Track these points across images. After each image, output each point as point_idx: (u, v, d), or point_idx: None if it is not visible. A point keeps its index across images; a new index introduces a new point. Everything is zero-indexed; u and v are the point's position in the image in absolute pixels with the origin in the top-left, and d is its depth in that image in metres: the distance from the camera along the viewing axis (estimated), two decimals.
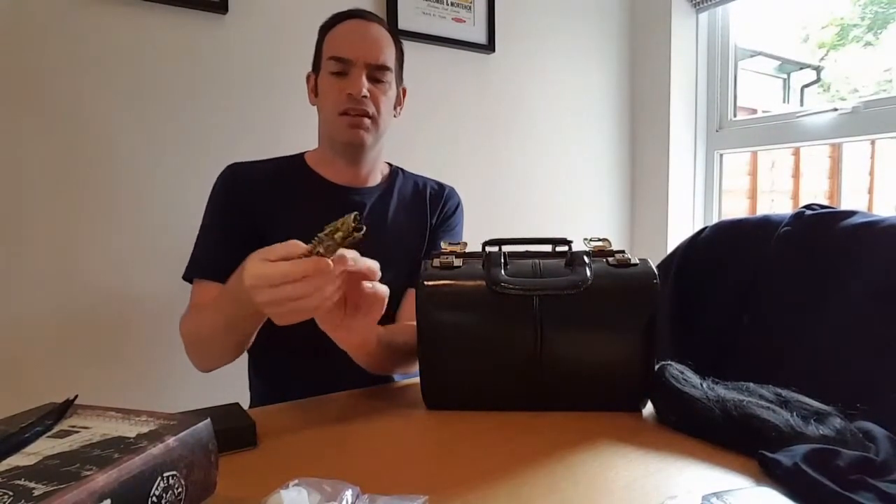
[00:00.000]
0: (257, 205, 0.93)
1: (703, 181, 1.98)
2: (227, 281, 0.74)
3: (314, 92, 0.98)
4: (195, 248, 0.93)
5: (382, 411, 0.73)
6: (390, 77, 0.95)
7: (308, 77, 1.00)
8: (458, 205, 1.10)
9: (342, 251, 0.60)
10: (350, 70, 0.91)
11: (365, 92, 0.90)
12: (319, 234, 0.59)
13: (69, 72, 1.11)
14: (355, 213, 0.58)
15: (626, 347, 0.68)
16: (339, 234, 0.57)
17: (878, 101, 1.52)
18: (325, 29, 0.96)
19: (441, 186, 1.09)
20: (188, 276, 0.91)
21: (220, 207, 0.94)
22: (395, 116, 1.01)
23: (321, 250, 0.58)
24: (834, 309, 0.74)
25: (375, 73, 0.92)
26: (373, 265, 0.64)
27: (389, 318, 0.96)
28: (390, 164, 1.08)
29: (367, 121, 0.92)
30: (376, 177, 1.03)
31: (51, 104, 1.10)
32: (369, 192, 1.00)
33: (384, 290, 0.66)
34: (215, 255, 0.90)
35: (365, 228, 0.58)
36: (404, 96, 1.04)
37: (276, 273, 0.58)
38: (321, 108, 0.97)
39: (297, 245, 0.59)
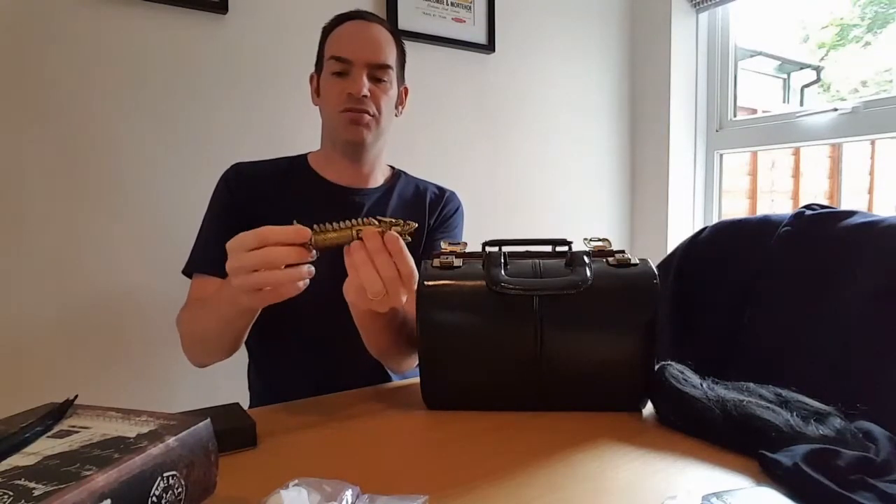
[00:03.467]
0: (258, 204, 0.93)
1: (703, 181, 1.98)
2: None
3: (317, 92, 0.99)
4: (195, 244, 0.94)
5: (382, 411, 0.73)
6: (391, 76, 0.95)
7: (311, 78, 1.00)
8: (458, 208, 1.10)
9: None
10: (350, 70, 0.91)
11: (365, 91, 0.90)
12: (381, 218, 0.63)
13: (69, 72, 1.11)
14: (417, 224, 0.65)
15: (626, 347, 0.68)
16: (398, 228, 0.62)
17: (878, 101, 1.52)
18: (328, 30, 0.97)
19: (441, 191, 1.09)
20: (187, 271, 0.92)
21: (222, 205, 0.94)
22: (396, 116, 1.01)
23: (361, 228, 0.62)
24: (834, 309, 0.74)
25: (376, 73, 0.92)
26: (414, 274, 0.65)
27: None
28: (393, 167, 1.09)
29: (367, 117, 0.92)
30: (378, 178, 1.03)
31: (51, 104, 1.10)
32: (369, 192, 1.00)
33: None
34: (214, 251, 0.90)
35: (409, 240, 0.63)
36: (406, 95, 1.04)
37: (249, 238, 0.60)
38: (323, 107, 0.97)
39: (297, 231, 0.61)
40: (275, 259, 0.60)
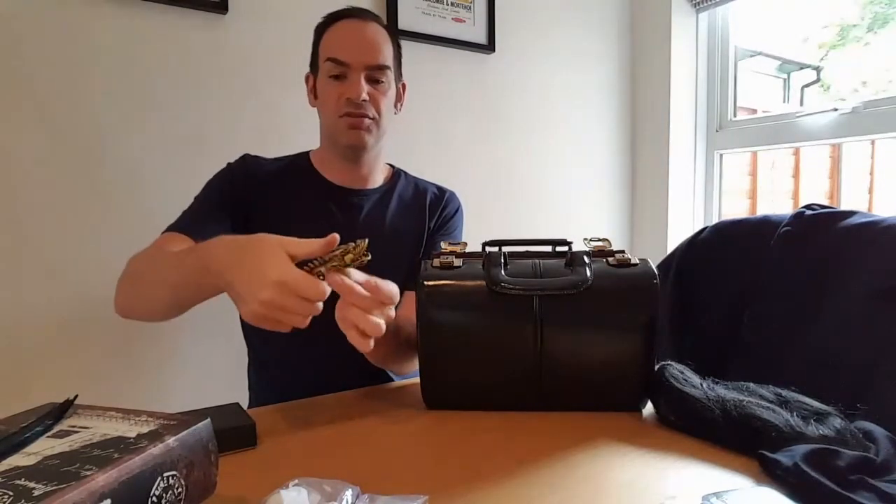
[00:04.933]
0: (257, 200, 0.93)
1: (703, 181, 1.98)
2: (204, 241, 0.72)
3: (313, 93, 0.98)
4: (181, 214, 0.91)
5: (382, 411, 0.73)
6: (389, 76, 0.94)
7: (307, 78, 1.00)
8: (458, 209, 1.10)
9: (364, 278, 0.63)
10: (348, 73, 0.91)
11: (365, 96, 0.90)
12: (331, 254, 0.62)
13: (68, 71, 1.11)
14: (368, 240, 0.62)
15: (626, 347, 0.68)
16: (350, 255, 0.61)
17: (878, 101, 1.52)
18: (321, 29, 0.95)
19: (441, 191, 1.09)
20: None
21: (221, 189, 0.94)
22: (395, 113, 1.01)
23: (322, 271, 0.60)
24: (834, 308, 0.74)
25: (374, 74, 0.92)
26: (393, 291, 0.65)
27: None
28: (392, 166, 1.08)
29: (367, 121, 0.92)
30: (377, 178, 1.03)
31: (50, 103, 1.10)
32: (369, 193, 1.00)
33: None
34: (199, 221, 0.88)
35: (370, 256, 0.62)
36: (404, 92, 1.03)
37: (301, 283, 0.57)
38: (321, 111, 0.97)
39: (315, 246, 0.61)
40: (304, 310, 0.59)
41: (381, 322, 0.62)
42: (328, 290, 0.59)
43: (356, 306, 0.62)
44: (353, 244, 0.62)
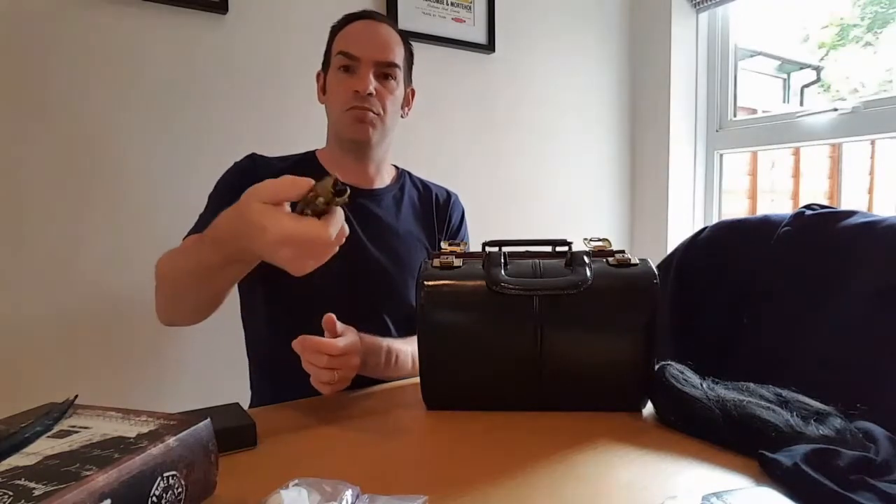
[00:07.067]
0: None
1: (703, 181, 1.98)
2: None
3: (323, 90, 0.99)
4: (198, 218, 0.91)
5: (382, 411, 0.73)
6: (398, 76, 0.95)
7: (318, 76, 1.01)
8: (462, 212, 1.12)
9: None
10: (358, 67, 0.92)
11: (371, 90, 0.90)
12: (307, 197, 0.54)
13: (68, 71, 1.11)
14: (335, 177, 0.54)
15: (626, 347, 0.68)
16: (321, 199, 0.53)
17: (878, 101, 1.52)
18: (337, 28, 0.97)
19: (448, 195, 1.10)
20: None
21: (231, 188, 0.92)
22: (402, 117, 1.01)
23: (308, 212, 0.55)
24: (834, 309, 0.74)
25: (383, 71, 0.93)
26: (343, 343, 0.72)
27: (402, 321, 0.97)
28: (396, 167, 1.09)
29: (372, 115, 0.92)
30: (384, 178, 1.03)
31: (50, 104, 1.10)
32: (380, 193, 1.01)
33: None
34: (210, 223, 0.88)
35: (349, 191, 0.54)
36: (412, 97, 1.04)
37: (308, 234, 0.53)
38: (328, 105, 0.98)
39: (302, 182, 0.55)
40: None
41: (332, 376, 0.69)
42: (334, 229, 0.54)
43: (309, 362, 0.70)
44: (320, 186, 0.54)
